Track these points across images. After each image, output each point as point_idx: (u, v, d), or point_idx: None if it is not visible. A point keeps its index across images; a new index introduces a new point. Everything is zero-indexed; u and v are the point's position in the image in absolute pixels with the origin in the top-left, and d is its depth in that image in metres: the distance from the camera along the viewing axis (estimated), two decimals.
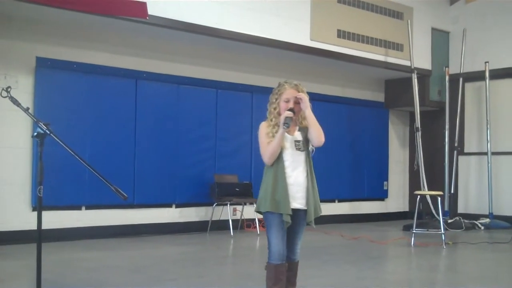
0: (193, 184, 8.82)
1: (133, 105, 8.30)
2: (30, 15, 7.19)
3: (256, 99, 9.26)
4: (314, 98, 10.39)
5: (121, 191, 2.80)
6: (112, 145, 8.00)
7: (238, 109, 9.36)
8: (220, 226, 8.81)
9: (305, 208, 3.43)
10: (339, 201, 10.75)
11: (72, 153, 2.69)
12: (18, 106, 3.40)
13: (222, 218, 8.86)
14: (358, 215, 11.04)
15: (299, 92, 3.50)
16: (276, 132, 3.41)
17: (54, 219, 7.15)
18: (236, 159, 9.26)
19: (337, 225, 9.83)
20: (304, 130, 3.52)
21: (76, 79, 7.78)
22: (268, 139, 3.43)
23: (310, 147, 3.52)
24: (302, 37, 8.98)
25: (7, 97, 3.35)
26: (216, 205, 8.72)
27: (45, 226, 3.01)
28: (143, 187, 8.21)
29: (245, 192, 8.89)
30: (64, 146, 2.69)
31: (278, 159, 3.42)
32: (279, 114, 3.48)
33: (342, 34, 9.53)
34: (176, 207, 8.74)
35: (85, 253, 6.68)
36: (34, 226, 6.29)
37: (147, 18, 7.15)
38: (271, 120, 3.50)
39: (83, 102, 7.82)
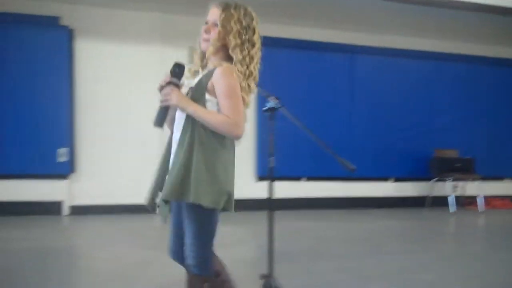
0: (411, 159, 8.67)
1: (349, 79, 8.38)
2: None
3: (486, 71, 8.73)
4: None
5: (349, 163, 2.86)
6: (328, 119, 8.18)
7: (458, 81, 8.97)
8: (438, 202, 8.54)
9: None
10: None
11: (302, 126, 2.81)
12: None
13: (441, 194, 8.58)
14: None
15: (221, 12, 2.16)
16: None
17: (276, 189, 7.54)
18: (456, 133, 8.88)
19: None
20: (210, 72, 2.19)
21: (293, 55, 8.08)
22: None
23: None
24: None
25: None
26: (436, 180, 8.48)
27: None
28: (360, 160, 8.26)
29: (466, 168, 8.50)
30: (294, 119, 2.82)
31: None
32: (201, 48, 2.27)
33: None
34: (394, 181, 8.69)
35: (306, 223, 6.98)
36: (257, 196, 6.75)
37: None
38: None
39: (300, 77, 8.11)
